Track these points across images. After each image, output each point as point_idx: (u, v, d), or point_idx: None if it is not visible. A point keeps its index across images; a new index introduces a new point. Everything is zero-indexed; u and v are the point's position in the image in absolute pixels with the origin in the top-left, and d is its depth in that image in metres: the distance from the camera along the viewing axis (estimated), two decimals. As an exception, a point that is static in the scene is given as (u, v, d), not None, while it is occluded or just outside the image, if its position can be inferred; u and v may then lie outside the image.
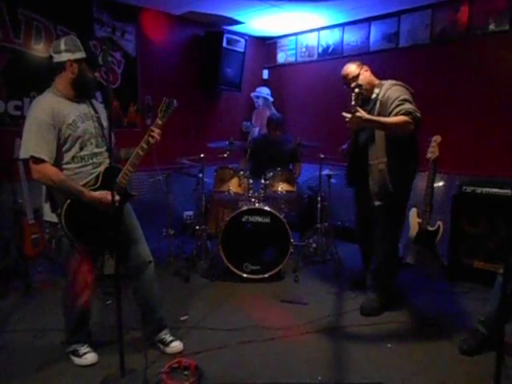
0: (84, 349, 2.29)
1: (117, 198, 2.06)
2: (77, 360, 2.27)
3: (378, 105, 2.70)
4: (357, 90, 2.53)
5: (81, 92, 2.15)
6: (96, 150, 2.18)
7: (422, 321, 2.78)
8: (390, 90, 2.68)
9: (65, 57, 2.07)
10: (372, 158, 2.75)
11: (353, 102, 2.47)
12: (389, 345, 2.48)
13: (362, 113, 2.46)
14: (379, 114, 2.65)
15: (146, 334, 2.42)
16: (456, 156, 3.78)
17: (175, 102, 2.20)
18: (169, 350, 2.34)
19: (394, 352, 2.42)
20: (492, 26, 3.61)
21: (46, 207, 2.13)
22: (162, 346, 2.37)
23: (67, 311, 2.29)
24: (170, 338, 2.37)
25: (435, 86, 3.96)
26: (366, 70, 2.84)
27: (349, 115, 2.45)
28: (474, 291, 3.17)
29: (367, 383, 2.05)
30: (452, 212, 3.50)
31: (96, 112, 2.22)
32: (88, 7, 3.82)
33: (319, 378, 2.09)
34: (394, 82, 2.76)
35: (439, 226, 3.63)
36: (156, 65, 4.46)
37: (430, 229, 3.45)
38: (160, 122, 2.19)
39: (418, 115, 2.54)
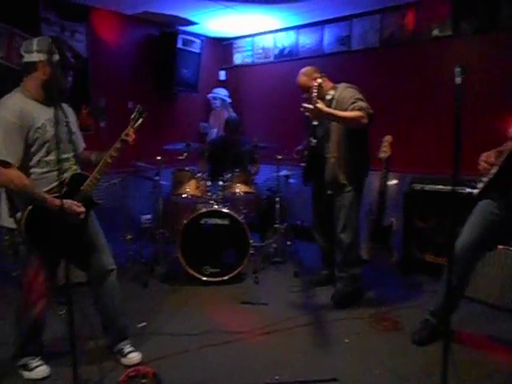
0: (35, 362, 2.19)
1: (82, 208, 2.03)
2: (27, 374, 2.17)
3: (334, 104, 2.88)
4: (319, 81, 2.67)
5: (51, 95, 2.06)
6: (63, 156, 2.10)
7: (378, 315, 2.87)
8: (344, 91, 2.89)
9: (36, 57, 1.99)
10: (327, 151, 2.96)
11: (314, 94, 2.61)
12: (346, 340, 2.55)
13: (321, 105, 2.62)
14: None
15: (106, 341, 2.35)
16: (407, 155, 3.94)
17: (146, 112, 2.19)
18: (125, 361, 2.28)
19: (352, 347, 2.49)
20: (436, 32, 3.80)
21: (5, 212, 2.03)
22: (119, 357, 2.30)
23: (19, 322, 2.18)
24: (129, 349, 2.31)
25: (386, 88, 4.11)
26: (317, 79, 2.94)
27: (310, 106, 2.58)
28: (426, 284, 3.31)
29: (321, 380, 2.09)
30: (404, 209, 3.64)
31: (66, 116, 2.16)
32: (33, 5, 3.65)
33: (276, 378, 2.12)
34: (347, 84, 2.97)
35: (393, 222, 3.78)
36: (109, 66, 4.35)
37: (385, 225, 3.59)
38: (133, 130, 2.16)
39: (371, 111, 2.75)
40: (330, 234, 3.30)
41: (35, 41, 2.02)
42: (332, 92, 2.95)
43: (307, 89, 2.96)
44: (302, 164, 3.21)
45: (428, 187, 3.49)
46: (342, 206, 2.98)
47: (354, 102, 2.77)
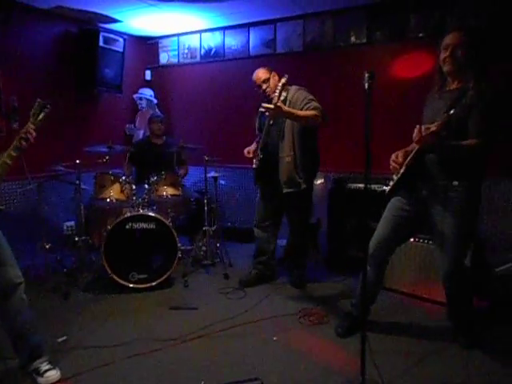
0: None
1: None
2: None
3: (287, 105, 2.97)
4: (283, 81, 2.72)
5: None
6: None
7: (305, 310, 2.94)
8: (297, 93, 3.05)
9: None
10: (281, 151, 3.09)
11: (276, 94, 2.69)
12: (274, 338, 2.59)
13: (281, 104, 2.71)
14: None
15: (19, 361, 2.16)
16: (331, 155, 4.11)
17: (49, 105, 2.05)
18: (42, 380, 2.11)
19: (279, 344, 2.53)
20: (353, 39, 4.04)
21: None
22: (35, 377, 2.13)
23: None
24: (46, 367, 2.14)
25: (310, 91, 4.25)
26: (274, 76, 3.15)
27: (271, 106, 2.66)
28: (351, 278, 3.44)
29: (243, 380, 2.10)
30: (329, 207, 3.80)
31: None
32: None
33: (202, 382, 2.10)
34: (298, 86, 3.13)
35: (319, 220, 3.94)
36: (22, 62, 4.02)
37: (311, 223, 3.72)
38: (33, 127, 2.00)
39: (323, 111, 2.94)
40: (273, 232, 3.41)
41: None
42: (284, 93, 3.03)
43: (265, 80, 3.11)
44: (254, 164, 3.24)
45: (349, 186, 3.67)
46: (296, 201, 3.18)
47: (308, 103, 2.95)
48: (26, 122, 2.06)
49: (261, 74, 3.16)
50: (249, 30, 4.64)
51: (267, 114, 2.83)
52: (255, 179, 3.35)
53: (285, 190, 3.12)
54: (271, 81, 3.12)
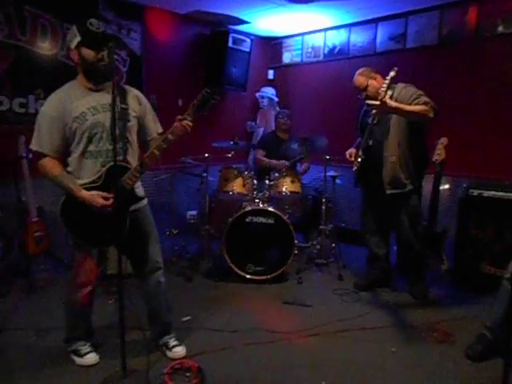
0: (85, 348, 2.27)
1: (104, 201, 1.95)
2: (78, 360, 2.25)
3: None
4: (392, 73, 2.63)
5: (94, 78, 2.01)
6: (109, 146, 1.99)
7: (427, 325, 2.74)
8: (404, 90, 2.88)
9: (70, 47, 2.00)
10: (386, 150, 2.94)
11: (383, 89, 2.58)
12: (393, 349, 2.45)
13: (388, 99, 2.61)
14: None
15: (151, 334, 2.39)
16: (463, 159, 3.73)
17: (217, 96, 1.92)
18: (170, 354, 2.31)
19: (398, 356, 2.38)
20: (501, 28, 3.57)
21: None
22: (164, 350, 2.34)
23: (68, 305, 2.25)
24: (174, 343, 2.34)
25: (442, 88, 3.91)
26: (374, 78, 3.01)
27: (377, 102, 2.57)
28: (480, 296, 3.10)
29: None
30: (458, 215, 3.45)
31: (122, 101, 2.00)
32: (94, 5, 3.81)
33: (323, 383, 2.06)
34: (405, 84, 2.95)
35: (446, 229, 3.60)
36: (161, 63, 4.45)
37: (436, 232, 3.42)
38: (190, 119, 1.94)
39: (435, 106, 2.74)
40: (381, 236, 3.25)
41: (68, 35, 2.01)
42: (389, 92, 2.88)
43: (364, 88, 3.00)
44: (355, 165, 3.12)
45: (487, 193, 3.27)
46: (399, 203, 2.99)
47: (417, 98, 2.78)
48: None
49: (357, 82, 3.04)
50: (377, 26, 4.44)
51: (373, 111, 2.71)
52: (356, 181, 3.24)
53: (388, 191, 2.95)
54: (370, 87, 2.97)
